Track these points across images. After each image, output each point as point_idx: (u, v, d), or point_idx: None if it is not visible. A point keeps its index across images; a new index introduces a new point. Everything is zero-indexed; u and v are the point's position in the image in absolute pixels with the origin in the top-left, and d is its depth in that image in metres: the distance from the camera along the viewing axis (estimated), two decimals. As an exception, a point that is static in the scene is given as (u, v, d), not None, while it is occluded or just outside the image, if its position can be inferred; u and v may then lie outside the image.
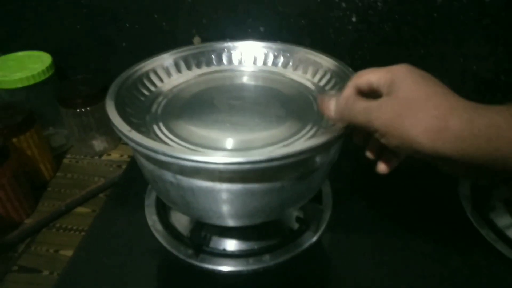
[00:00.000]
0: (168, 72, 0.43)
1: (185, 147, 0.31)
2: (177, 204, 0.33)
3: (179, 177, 0.30)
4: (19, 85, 0.55)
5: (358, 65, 0.56)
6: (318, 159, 0.31)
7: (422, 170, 0.50)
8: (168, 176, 0.30)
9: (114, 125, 0.30)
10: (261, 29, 0.56)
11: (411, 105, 0.24)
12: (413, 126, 0.23)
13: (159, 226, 0.41)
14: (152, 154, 0.27)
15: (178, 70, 0.44)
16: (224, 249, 0.38)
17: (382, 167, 0.31)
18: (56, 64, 0.59)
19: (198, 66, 0.45)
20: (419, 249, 0.41)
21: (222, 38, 0.57)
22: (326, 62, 0.41)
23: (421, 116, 0.23)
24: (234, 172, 0.27)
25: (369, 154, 0.32)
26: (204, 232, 0.38)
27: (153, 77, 0.41)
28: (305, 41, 0.56)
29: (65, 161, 0.61)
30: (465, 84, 0.56)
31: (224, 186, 0.29)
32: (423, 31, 0.53)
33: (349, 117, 0.27)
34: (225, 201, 0.31)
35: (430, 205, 0.46)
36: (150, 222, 0.42)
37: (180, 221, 0.41)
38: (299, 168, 0.30)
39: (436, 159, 0.24)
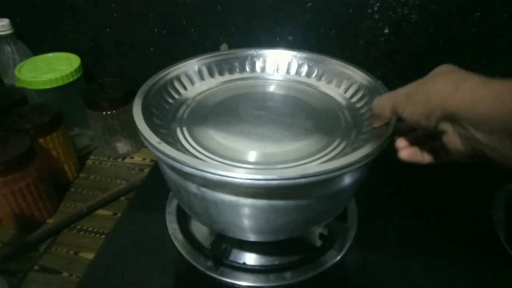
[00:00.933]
0: (192, 80, 0.42)
1: (211, 158, 0.31)
2: (200, 215, 0.33)
3: (203, 189, 0.29)
4: (48, 86, 0.56)
5: (389, 78, 0.55)
6: (348, 177, 0.30)
7: (452, 189, 0.49)
8: (192, 187, 0.30)
9: (143, 135, 0.30)
10: (290, 38, 0.55)
11: (454, 81, 0.25)
12: (457, 91, 0.24)
13: (179, 235, 0.41)
14: (179, 166, 0.27)
15: (202, 77, 0.43)
16: (244, 263, 0.37)
17: (404, 153, 0.30)
18: (84, 66, 0.60)
19: (222, 73, 0.44)
20: (448, 271, 0.39)
21: (249, 46, 0.57)
22: (355, 74, 0.40)
23: (464, 84, 0.24)
24: (259, 188, 0.26)
25: (401, 142, 0.31)
26: (225, 244, 0.37)
27: (177, 84, 0.41)
28: (334, 51, 0.55)
29: (89, 162, 0.62)
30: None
31: (249, 201, 0.28)
32: (458, 45, 0.51)
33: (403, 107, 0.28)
34: (248, 216, 0.30)
35: (460, 227, 0.44)
36: (170, 231, 0.41)
37: (201, 231, 0.41)
38: (328, 186, 0.29)
39: (478, 126, 0.23)
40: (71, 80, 0.58)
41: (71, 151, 0.57)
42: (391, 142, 0.31)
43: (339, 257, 0.38)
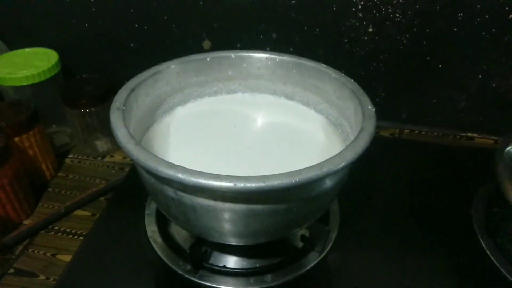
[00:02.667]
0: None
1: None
2: (178, 219, 0.32)
3: (181, 193, 0.28)
4: (25, 83, 0.54)
5: (373, 77, 0.55)
6: (328, 180, 0.30)
7: (433, 189, 0.49)
8: (169, 191, 0.29)
9: (117, 137, 0.29)
10: (274, 35, 0.54)
11: None
12: None
13: (158, 238, 0.40)
14: (155, 171, 0.26)
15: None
16: (224, 266, 0.37)
17: None
18: (62, 62, 0.58)
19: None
20: (427, 271, 0.39)
21: (232, 44, 0.56)
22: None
23: None
24: (237, 192, 0.26)
25: None
26: (204, 247, 0.37)
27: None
28: (318, 50, 0.54)
29: (67, 161, 0.60)
30: (484, 101, 0.54)
31: (227, 205, 0.28)
32: (442, 45, 0.51)
33: None
34: (227, 221, 0.29)
35: (441, 227, 0.44)
36: (149, 233, 0.41)
37: (181, 234, 0.40)
38: (308, 190, 0.29)
39: None
40: (48, 76, 0.56)
41: (49, 149, 0.55)
42: (373, 141, 0.30)
43: (320, 258, 0.38)
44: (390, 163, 0.52)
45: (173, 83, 0.42)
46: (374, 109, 0.34)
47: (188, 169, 0.26)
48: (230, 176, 0.25)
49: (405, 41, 0.51)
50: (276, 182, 0.25)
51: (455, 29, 0.49)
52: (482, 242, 0.41)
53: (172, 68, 0.41)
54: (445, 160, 0.53)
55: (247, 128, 0.41)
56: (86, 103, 0.56)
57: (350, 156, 0.28)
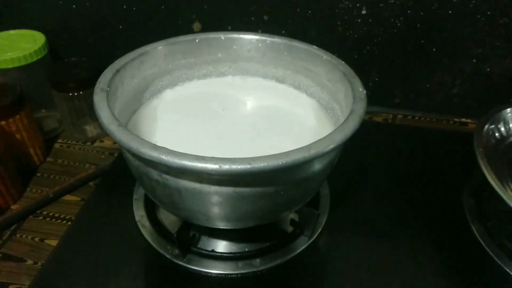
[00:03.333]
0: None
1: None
2: (164, 203, 0.31)
3: (166, 176, 0.28)
4: (10, 66, 0.53)
5: (366, 60, 0.54)
6: (317, 164, 0.29)
7: (426, 174, 0.49)
8: (154, 174, 0.28)
9: (100, 118, 0.28)
10: (265, 17, 0.53)
11: None
12: None
13: (146, 222, 0.39)
14: (138, 152, 0.25)
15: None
16: (212, 250, 0.36)
17: None
18: (50, 44, 0.57)
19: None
20: (418, 255, 0.39)
21: (223, 26, 0.55)
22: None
23: None
24: (223, 175, 0.25)
25: None
26: (192, 232, 0.36)
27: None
28: (311, 33, 0.53)
29: (56, 145, 0.59)
30: (478, 86, 0.53)
31: (213, 188, 0.27)
32: (436, 28, 0.50)
33: None
34: (213, 204, 0.28)
35: (432, 213, 0.44)
36: (137, 218, 0.40)
37: (169, 218, 0.40)
38: (295, 172, 0.28)
39: None
40: (35, 59, 0.55)
41: (37, 134, 0.54)
42: (364, 123, 0.30)
43: (309, 243, 0.37)
44: (383, 149, 0.52)
45: (160, 65, 0.41)
46: (365, 92, 0.33)
47: (172, 150, 0.25)
48: (215, 158, 0.25)
49: (399, 24, 0.50)
50: (262, 164, 0.24)
51: (450, 12, 0.48)
52: (473, 227, 0.41)
53: (159, 50, 0.40)
54: (438, 145, 0.53)
55: (236, 111, 0.40)
56: (74, 86, 0.55)
57: (339, 138, 0.27)
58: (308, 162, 0.26)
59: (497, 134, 0.45)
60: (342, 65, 0.37)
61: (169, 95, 0.42)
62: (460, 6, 0.48)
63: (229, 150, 0.34)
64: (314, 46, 0.40)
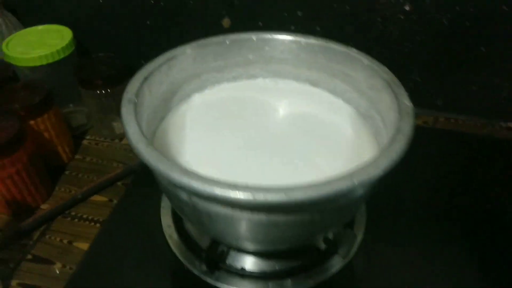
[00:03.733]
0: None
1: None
2: (192, 221, 0.30)
3: (195, 199, 0.26)
4: (38, 63, 0.53)
5: (406, 60, 0.50)
6: (359, 191, 0.27)
7: (468, 186, 0.45)
8: (183, 195, 0.27)
9: (128, 134, 0.27)
10: (299, 13, 0.50)
11: None
12: None
13: (173, 233, 0.38)
14: (167, 176, 0.24)
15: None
16: (242, 268, 0.35)
17: None
18: (76, 39, 0.56)
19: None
20: (459, 278, 0.36)
21: (254, 22, 0.52)
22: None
23: None
24: (257, 205, 0.23)
25: None
26: (222, 247, 0.35)
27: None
28: (348, 28, 0.50)
29: (85, 142, 0.59)
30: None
31: (245, 215, 0.25)
32: (488, 26, 0.45)
33: None
34: (245, 229, 0.27)
35: (476, 230, 0.41)
36: (164, 227, 0.39)
37: (197, 231, 0.38)
38: (335, 201, 0.26)
39: None
40: (62, 56, 0.54)
41: (65, 131, 0.54)
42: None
43: (345, 263, 0.35)
44: (422, 156, 0.48)
45: (189, 68, 0.39)
46: (411, 105, 0.30)
47: (203, 177, 0.23)
48: (248, 186, 0.23)
49: (445, 21, 0.46)
50: (299, 195, 0.22)
51: (505, 8, 0.44)
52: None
53: (188, 53, 0.38)
54: (483, 153, 0.49)
55: (268, 119, 0.38)
56: (101, 84, 0.54)
57: (385, 165, 0.25)
58: (350, 191, 0.24)
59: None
60: (386, 72, 0.34)
61: (198, 99, 0.40)
62: (517, 2, 0.43)
63: (260, 165, 0.32)
64: (354, 49, 0.37)
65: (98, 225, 0.47)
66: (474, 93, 0.51)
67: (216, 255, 0.34)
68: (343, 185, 0.23)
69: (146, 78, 0.33)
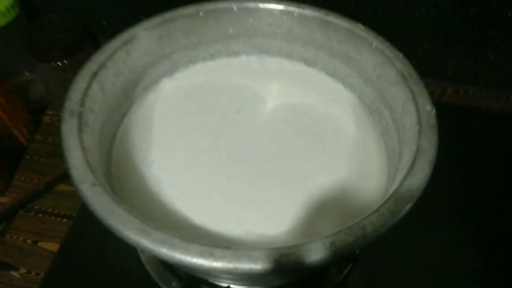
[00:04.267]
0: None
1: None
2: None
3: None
4: (-25, 31, 0.43)
5: (417, 24, 0.43)
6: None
7: (480, 175, 0.41)
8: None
9: (69, 168, 0.20)
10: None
11: None
12: None
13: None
14: (117, 234, 0.18)
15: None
16: (228, 287, 0.31)
17: None
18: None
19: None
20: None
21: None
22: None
23: None
24: (238, 275, 0.18)
25: None
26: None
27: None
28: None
29: (46, 119, 0.52)
30: None
31: (225, 275, 0.20)
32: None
33: None
34: (226, 278, 0.22)
35: (488, 228, 0.37)
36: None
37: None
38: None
39: None
40: (4, 22, 0.45)
41: (20, 109, 0.47)
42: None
43: (341, 278, 0.31)
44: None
45: (154, 50, 0.31)
46: (434, 112, 0.24)
47: (167, 236, 0.18)
48: (228, 252, 0.17)
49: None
50: (294, 260, 0.17)
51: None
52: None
53: (150, 32, 0.30)
54: (494, 132, 0.44)
55: (253, 114, 0.31)
56: (57, 54, 0.46)
57: (405, 205, 0.19)
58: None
59: None
60: (400, 61, 0.27)
61: (167, 86, 0.33)
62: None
63: (244, 188, 0.26)
64: (360, 25, 0.30)
65: (66, 220, 0.42)
66: (491, 62, 0.44)
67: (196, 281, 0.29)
68: (350, 242, 0.18)
69: (95, 74, 0.26)
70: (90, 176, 0.19)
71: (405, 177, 0.20)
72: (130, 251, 0.34)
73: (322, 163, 0.28)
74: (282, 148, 0.29)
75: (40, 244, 0.41)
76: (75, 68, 0.46)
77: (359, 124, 0.31)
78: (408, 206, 0.19)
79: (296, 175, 0.27)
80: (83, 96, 0.24)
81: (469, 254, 0.36)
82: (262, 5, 0.32)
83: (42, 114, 0.52)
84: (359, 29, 0.29)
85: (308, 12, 0.31)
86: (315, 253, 0.17)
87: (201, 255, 0.17)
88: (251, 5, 0.32)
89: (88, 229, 0.39)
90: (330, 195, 0.26)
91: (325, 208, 0.26)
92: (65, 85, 0.48)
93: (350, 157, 0.29)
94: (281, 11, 0.32)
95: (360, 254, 0.33)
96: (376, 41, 0.28)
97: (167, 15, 0.30)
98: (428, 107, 0.24)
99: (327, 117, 0.31)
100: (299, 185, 0.27)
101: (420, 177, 0.20)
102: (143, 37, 0.29)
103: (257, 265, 0.17)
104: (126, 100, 0.31)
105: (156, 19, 0.30)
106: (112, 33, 0.29)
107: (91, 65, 0.26)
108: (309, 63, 0.34)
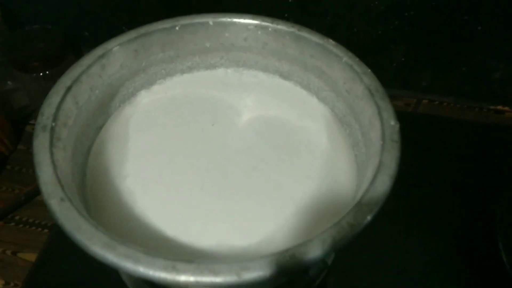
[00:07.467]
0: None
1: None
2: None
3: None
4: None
5: (393, 38, 0.44)
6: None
7: (450, 181, 0.42)
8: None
9: (39, 183, 0.21)
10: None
11: None
12: None
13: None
14: (84, 249, 0.18)
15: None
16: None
17: None
18: (4, 8, 0.46)
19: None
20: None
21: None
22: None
23: None
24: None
25: None
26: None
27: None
28: (324, 3, 0.42)
29: (28, 129, 0.52)
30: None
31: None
32: (486, 2, 0.39)
33: None
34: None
35: (457, 233, 0.38)
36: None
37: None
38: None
39: None
40: (-15, 31, 0.45)
41: (2, 120, 0.47)
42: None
43: (317, 283, 0.32)
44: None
45: (130, 64, 0.31)
46: (398, 126, 0.25)
47: (131, 250, 0.18)
48: (191, 265, 0.18)
49: (439, -5, 0.39)
50: (256, 274, 0.18)
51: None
52: (504, 259, 0.35)
53: (126, 46, 0.30)
54: (467, 141, 0.45)
55: (229, 126, 0.32)
56: (39, 65, 0.46)
57: (364, 217, 0.20)
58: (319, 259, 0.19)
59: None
60: (368, 76, 0.28)
61: (144, 99, 0.34)
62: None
63: (217, 201, 0.27)
64: (331, 41, 0.30)
65: (46, 230, 0.42)
66: (464, 74, 0.46)
67: None
68: (309, 257, 0.18)
69: (69, 89, 0.26)
70: (59, 191, 0.20)
71: (366, 191, 0.21)
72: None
73: (294, 175, 0.29)
74: (256, 160, 0.29)
75: (20, 255, 0.41)
76: (56, 78, 0.47)
77: (331, 137, 0.31)
78: (367, 220, 0.20)
79: (268, 187, 0.28)
80: (56, 111, 0.24)
81: (440, 258, 0.37)
82: (237, 20, 0.32)
83: (25, 124, 0.52)
84: (330, 44, 0.30)
85: (282, 27, 0.32)
86: (273, 267, 0.17)
87: (164, 269, 0.17)
88: (227, 20, 0.33)
89: (66, 239, 0.39)
90: (301, 207, 0.27)
91: (296, 220, 0.26)
92: (46, 95, 0.48)
93: (322, 169, 0.29)
94: (256, 26, 0.32)
95: (335, 262, 0.33)
96: (346, 57, 0.29)
97: (143, 29, 0.31)
98: (392, 122, 0.25)
99: (301, 129, 0.32)
100: (270, 197, 0.27)
101: (380, 191, 0.21)
102: (118, 52, 0.30)
103: (217, 278, 0.17)
104: (102, 114, 0.31)
105: (132, 33, 0.30)
106: (94, 43, 0.29)
107: (65, 80, 0.26)
108: (285, 76, 0.35)
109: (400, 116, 0.48)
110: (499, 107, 0.48)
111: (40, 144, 0.22)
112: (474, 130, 0.47)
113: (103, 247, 0.18)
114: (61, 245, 0.40)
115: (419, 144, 0.45)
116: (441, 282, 0.36)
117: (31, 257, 0.40)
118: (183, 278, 0.17)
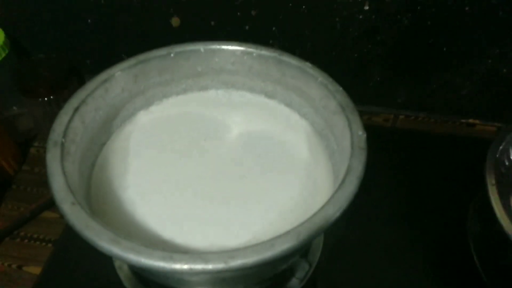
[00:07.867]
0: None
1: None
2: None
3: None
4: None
5: (368, 60, 0.48)
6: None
7: (427, 188, 0.45)
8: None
9: (52, 190, 0.24)
10: (253, 12, 0.46)
11: None
12: None
13: (124, 265, 0.36)
14: (92, 244, 0.21)
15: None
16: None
17: None
18: (12, 40, 0.50)
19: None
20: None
21: (205, 21, 0.48)
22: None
23: None
24: (195, 274, 0.22)
25: None
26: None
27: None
28: (304, 30, 0.47)
29: (33, 150, 0.55)
30: (491, 88, 0.48)
31: (186, 276, 0.23)
32: (450, 26, 0.44)
33: None
34: (190, 284, 0.25)
35: (434, 237, 0.41)
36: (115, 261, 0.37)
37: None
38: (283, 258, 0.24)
39: None
40: (-2, 60, 0.49)
41: (8, 142, 0.50)
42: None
43: (302, 285, 0.35)
44: (379, 159, 0.48)
45: (131, 88, 0.35)
46: (365, 136, 0.28)
47: (134, 244, 0.21)
48: (185, 255, 0.21)
49: (406, 21, 0.44)
50: (240, 262, 0.21)
51: (467, 8, 0.42)
52: (476, 261, 0.38)
53: (127, 72, 0.34)
54: (442, 153, 0.49)
55: (220, 142, 0.35)
56: (44, 91, 0.49)
57: (333, 214, 0.23)
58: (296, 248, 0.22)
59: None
60: (340, 93, 0.32)
61: (143, 118, 0.37)
62: (480, 2, 0.41)
63: (209, 206, 0.30)
64: (308, 64, 0.34)
65: (50, 245, 0.45)
66: (435, 91, 0.50)
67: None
68: (287, 245, 0.22)
69: (76, 109, 0.30)
70: (71, 196, 0.23)
71: (337, 190, 0.25)
72: (110, 273, 0.37)
73: (278, 183, 0.32)
74: (244, 170, 0.33)
75: (25, 268, 0.43)
76: (61, 103, 0.51)
77: (311, 149, 0.35)
78: (336, 215, 0.23)
79: (255, 193, 0.31)
80: (66, 129, 0.28)
81: (416, 256, 0.39)
82: (225, 47, 0.37)
83: (29, 146, 0.55)
84: (307, 66, 0.34)
85: (265, 52, 0.36)
86: (252, 256, 0.20)
87: (163, 259, 0.21)
88: (216, 47, 0.37)
89: (70, 252, 0.42)
90: (284, 211, 0.30)
91: (279, 222, 0.30)
92: (52, 118, 0.51)
93: (303, 177, 0.33)
94: (242, 52, 0.36)
95: (320, 262, 0.36)
96: (321, 77, 0.33)
97: (142, 56, 0.35)
98: (360, 132, 0.28)
99: (284, 142, 0.36)
100: (257, 202, 0.30)
101: (348, 190, 0.24)
102: (120, 76, 0.33)
103: (208, 266, 0.20)
104: (105, 131, 0.34)
105: (132, 60, 0.34)
106: (95, 70, 0.33)
107: (73, 101, 0.30)
108: (269, 95, 0.39)
109: (380, 131, 0.52)
110: (470, 120, 0.52)
111: (52, 157, 0.26)
112: (448, 143, 0.51)
113: (109, 242, 0.21)
114: (65, 259, 0.42)
115: (398, 156, 0.48)
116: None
117: (36, 270, 0.42)
118: (178, 266, 0.20)
